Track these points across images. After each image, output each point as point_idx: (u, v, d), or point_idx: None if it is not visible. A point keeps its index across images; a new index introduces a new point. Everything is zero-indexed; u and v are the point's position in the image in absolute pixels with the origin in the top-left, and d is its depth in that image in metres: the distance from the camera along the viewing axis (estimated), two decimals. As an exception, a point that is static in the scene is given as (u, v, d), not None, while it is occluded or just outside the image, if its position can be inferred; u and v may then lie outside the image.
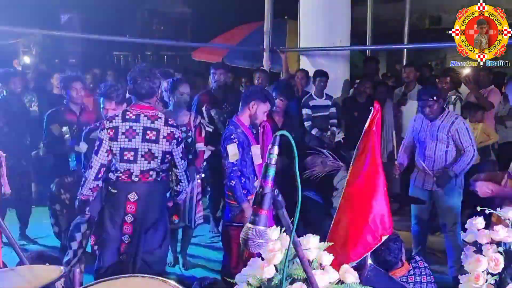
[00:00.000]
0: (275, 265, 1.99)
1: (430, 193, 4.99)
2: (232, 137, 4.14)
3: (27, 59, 13.93)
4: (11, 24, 7.10)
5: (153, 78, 3.78)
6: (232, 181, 4.10)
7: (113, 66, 14.82)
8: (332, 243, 2.07)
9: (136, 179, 3.77)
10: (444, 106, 5.32)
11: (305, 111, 6.62)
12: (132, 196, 3.76)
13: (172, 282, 1.61)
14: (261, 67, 7.65)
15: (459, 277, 2.32)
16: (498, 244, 2.29)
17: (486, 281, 2.22)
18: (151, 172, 3.80)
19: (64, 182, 4.92)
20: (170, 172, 4.04)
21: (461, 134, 4.76)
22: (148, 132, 3.75)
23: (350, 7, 7.55)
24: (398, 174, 5.21)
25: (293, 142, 1.49)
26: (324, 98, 6.78)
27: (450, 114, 4.95)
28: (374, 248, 2.39)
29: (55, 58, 14.99)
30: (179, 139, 3.88)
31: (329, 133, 6.56)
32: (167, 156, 3.83)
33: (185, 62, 14.35)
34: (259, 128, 4.67)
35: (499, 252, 2.26)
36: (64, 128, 4.86)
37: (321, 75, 6.79)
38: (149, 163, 3.76)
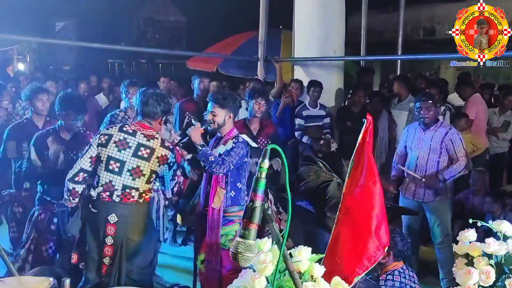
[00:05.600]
0: (266, 277, 1.99)
1: (421, 205, 5.00)
2: None
3: (21, 66, 13.92)
4: (6, 32, 7.08)
5: (161, 102, 3.77)
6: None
7: (107, 73, 14.80)
8: (324, 255, 2.05)
9: (117, 200, 3.66)
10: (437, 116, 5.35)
11: (298, 121, 6.63)
12: (112, 218, 3.64)
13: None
14: (255, 77, 7.67)
15: (450, 289, 2.32)
16: (490, 256, 2.29)
17: (477, 294, 2.22)
18: (133, 193, 3.68)
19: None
20: (156, 189, 3.96)
21: (456, 145, 4.80)
22: (142, 148, 3.68)
23: (344, 18, 7.60)
24: (392, 191, 5.25)
25: (284, 156, 1.48)
26: (318, 108, 6.79)
27: (443, 124, 5.03)
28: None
29: (50, 65, 14.95)
30: (171, 164, 3.80)
31: (322, 141, 6.56)
32: (153, 175, 3.75)
33: (180, 70, 14.34)
34: None
35: (491, 264, 2.26)
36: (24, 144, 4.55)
37: (315, 85, 6.81)
38: (133, 179, 3.66)
